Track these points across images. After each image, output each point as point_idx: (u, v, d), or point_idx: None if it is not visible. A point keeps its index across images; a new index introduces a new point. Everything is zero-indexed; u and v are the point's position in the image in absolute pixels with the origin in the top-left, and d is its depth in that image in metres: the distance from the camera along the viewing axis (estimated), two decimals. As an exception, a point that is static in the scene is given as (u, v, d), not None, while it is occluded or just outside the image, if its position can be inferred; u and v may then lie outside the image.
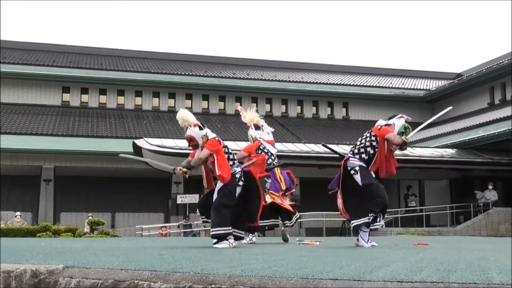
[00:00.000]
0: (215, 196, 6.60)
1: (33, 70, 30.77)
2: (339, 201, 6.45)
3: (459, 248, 5.75)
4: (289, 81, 35.17)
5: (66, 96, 31.44)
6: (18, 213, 20.95)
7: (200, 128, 6.70)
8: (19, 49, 34.83)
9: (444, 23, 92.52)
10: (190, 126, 6.67)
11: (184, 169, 6.78)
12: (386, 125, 6.54)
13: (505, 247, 6.57)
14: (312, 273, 2.90)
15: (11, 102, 30.06)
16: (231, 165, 6.65)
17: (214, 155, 6.51)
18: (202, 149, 6.62)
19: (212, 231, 6.42)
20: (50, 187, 25.02)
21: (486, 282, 2.52)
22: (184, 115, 6.76)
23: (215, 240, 6.43)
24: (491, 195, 21.45)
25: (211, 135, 6.74)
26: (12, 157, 24.06)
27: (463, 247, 5.94)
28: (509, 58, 29.96)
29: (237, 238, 6.69)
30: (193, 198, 20.66)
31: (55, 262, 3.61)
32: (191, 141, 6.69)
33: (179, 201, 22.20)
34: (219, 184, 6.56)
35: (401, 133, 6.35)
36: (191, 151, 6.97)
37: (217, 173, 6.46)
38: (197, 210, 8.79)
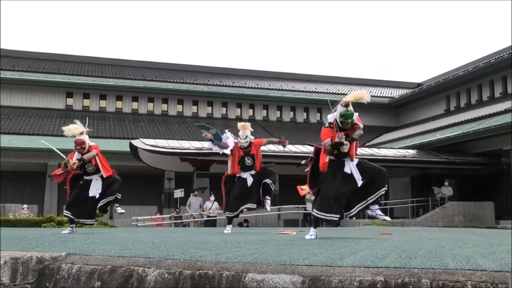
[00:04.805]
0: None
1: (40, 77, 30.43)
2: None
3: (419, 237, 5.80)
4: (270, 89, 35.17)
5: (70, 101, 31.16)
6: (25, 205, 20.68)
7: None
8: (27, 58, 34.41)
9: (406, 38, 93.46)
10: (82, 133, 7.99)
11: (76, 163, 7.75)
12: (328, 124, 5.88)
13: (459, 236, 6.63)
14: (289, 259, 2.90)
15: (20, 106, 29.73)
16: None
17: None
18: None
19: None
20: (55, 182, 24.64)
21: (442, 267, 2.54)
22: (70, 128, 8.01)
23: None
24: (447, 190, 21.65)
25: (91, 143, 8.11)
26: (21, 155, 23.78)
27: (422, 237, 5.99)
28: (463, 70, 30.33)
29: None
30: (182, 192, 20.52)
31: (59, 249, 3.58)
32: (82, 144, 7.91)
33: (176, 195, 22.01)
34: None
35: (341, 122, 5.59)
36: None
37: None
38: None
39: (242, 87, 35.07)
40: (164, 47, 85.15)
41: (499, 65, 26.34)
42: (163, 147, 20.22)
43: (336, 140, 5.45)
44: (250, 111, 34.24)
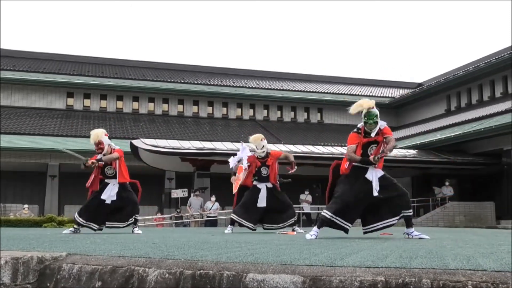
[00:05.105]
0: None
1: (40, 77, 30.44)
2: None
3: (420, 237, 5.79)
4: (271, 89, 35.16)
5: (70, 101, 31.16)
6: (26, 205, 20.70)
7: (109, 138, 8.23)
8: (28, 58, 34.42)
9: (406, 38, 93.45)
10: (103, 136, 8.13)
11: (94, 161, 7.84)
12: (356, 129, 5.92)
13: (460, 236, 6.63)
14: (290, 259, 2.90)
15: (21, 106, 29.77)
16: None
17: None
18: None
19: None
20: (55, 182, 24.77)
21: (443, 267, 2.54)
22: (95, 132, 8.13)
23: None
24: (447, 190, 21.64)
25: (116, 146, 8.22)
26: (22, 155, 23.80)
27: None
28: (463, 70, 30.32)
29: None
30: (184, 192, 20.52)
31: (59, 249, 3.58)
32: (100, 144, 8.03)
33: (173, 195, 22.04)
34: None
35: (364, 123, 5.69)
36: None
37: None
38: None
39: (242, 87, 35.06)
40: (164, 47, 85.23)
41: (500, 65, 26.34)
42: (163, 147, 20.21)
43: (372, 160, 5.57)
44: (251, 111, 34.22)
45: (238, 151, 9.05)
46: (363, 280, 2.43)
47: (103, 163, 7.89)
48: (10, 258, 3.08)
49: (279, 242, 4.77)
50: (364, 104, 5.75)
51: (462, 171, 23.28)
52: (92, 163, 7.79)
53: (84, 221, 7.87)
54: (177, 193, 20.79)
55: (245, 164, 8.56)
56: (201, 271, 2.70)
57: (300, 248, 3.83)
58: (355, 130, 5.85)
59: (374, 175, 5.68)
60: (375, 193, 5.62)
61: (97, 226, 7.99)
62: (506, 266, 2.56)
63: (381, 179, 5.70)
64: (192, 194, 19.13)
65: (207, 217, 18.21)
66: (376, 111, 5.74)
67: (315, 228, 5.76)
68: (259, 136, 8.62)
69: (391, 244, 4.46)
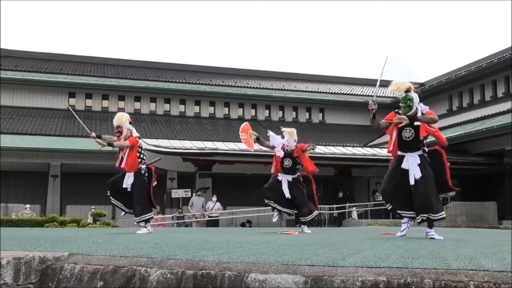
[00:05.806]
0: None
1: (42, 77, 30.48)
2: None
3: (421, 237, 5.78)
4: (272, 89, 35.17)
5: (72, 101, 31.16)
6: (27, 205, 20.72)
7: (130, 123, 8.09)
8: (30, 58, 34.45)
9: (408, 38, 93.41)
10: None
11: (100, 140, 7.94)
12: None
13: (461, 236, 6.62)
14: (291, 259, 2.90)
15: (23, 106, 29.81)
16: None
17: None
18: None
19: None
20: (57, 182, 24.80)
21: (444, 267, 2.53)
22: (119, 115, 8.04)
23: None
24: (449, 190, 21.61)
25: (135, 134, 8.10)
26: (23, 155, 23.84)
27: (425, 237, 5.96)
28: (465, 70, 30.28)
29: None
30: (187, 192, 20.52)
31: (61, 249, 3.58)
32: (118, 127, 7.94)
33: (174, 195, 22.06)
34: None
35: (400, 105, 5.71)
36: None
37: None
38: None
39: (244, 87, 35.08)
40: (166, 47, 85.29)
41: (502, 65, 26.30)
42: (165, 147, 20.21)
43: (396, 117, 5.55)
44: (252, 111, 34.25)
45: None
46: (365, 280, 2.42)
47: (112, 146, 8.03)
48: (12, 258, 3.08)
49: (280, 242, 4.76)
50: (400, 86, 5.64)
51: (464, 171, 23.24)
52: (99, 141, 7.92)
53: (127, 209, 8.16)
54: (178, 193, 20.79)
55: (277, 151, 8.53)
56: (203, 271, 2.70)
57: (302, 248, 3.83)
58: (397, 110, 5.78)
59: (409, 161, 5.56)
60: (412, 181, 5.49)
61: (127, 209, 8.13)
62: (508, 266, 2.56)
63: (421, 166, 5.56)
64: (194, 194, 19.14)
65: (209, 217, 18.21)
66: (411, 95, 5.60)
67: (403, 225, 5.84)
68: (294, 130, 8.63)
69: (393, 244, 4.45)
